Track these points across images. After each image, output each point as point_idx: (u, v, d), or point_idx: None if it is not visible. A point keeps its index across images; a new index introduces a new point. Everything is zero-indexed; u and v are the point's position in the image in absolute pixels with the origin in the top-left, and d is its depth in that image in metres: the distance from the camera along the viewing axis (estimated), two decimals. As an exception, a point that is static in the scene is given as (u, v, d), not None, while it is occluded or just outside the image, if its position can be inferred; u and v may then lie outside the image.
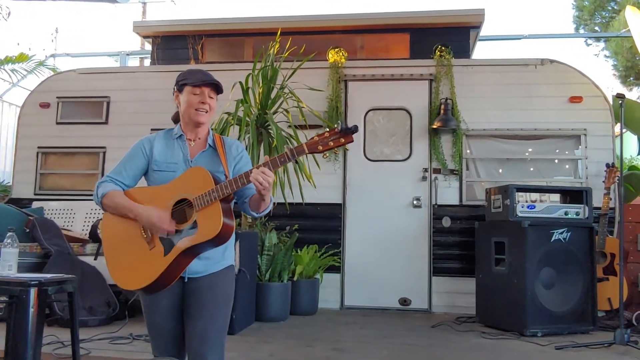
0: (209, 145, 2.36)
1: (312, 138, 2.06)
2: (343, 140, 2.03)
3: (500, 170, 5.89)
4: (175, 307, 2.28)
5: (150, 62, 7.11)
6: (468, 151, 5.85)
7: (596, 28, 15.02)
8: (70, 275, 3.06)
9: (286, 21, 6.30)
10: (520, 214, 4.74)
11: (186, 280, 2.25)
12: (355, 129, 2.03)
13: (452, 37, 6.25)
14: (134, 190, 2.31)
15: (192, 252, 2.14)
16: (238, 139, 4.70)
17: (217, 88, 2.35)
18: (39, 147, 6.47)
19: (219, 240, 2.10)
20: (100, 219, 5.20)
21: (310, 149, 2.04)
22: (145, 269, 2.15)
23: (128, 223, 2.22)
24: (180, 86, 2.37)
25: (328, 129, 2.06)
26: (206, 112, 2.32)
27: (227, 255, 2.34)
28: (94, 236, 5.10)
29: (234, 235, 2.35)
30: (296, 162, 2.12)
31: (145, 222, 2.15)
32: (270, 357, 3.57)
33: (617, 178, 5.14)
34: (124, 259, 2.24)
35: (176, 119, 2.48)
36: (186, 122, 2.38)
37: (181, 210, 2.16)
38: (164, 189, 2.23)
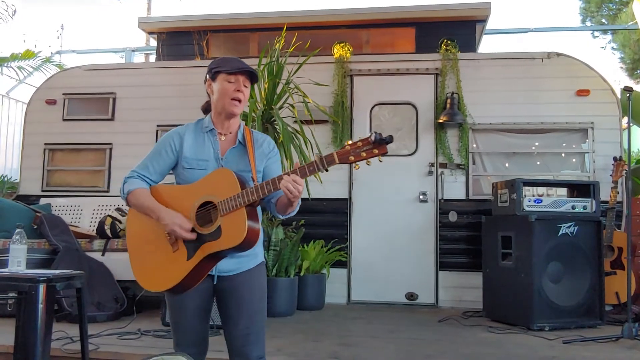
0: (239, 141, 2.29)
1: (344, 147, 1.95)
2: (377, 151, 1.91)
3: (507, 165, 5.87)
4: (201, 307, 2.25)
5: (156, 58, 7.12)
6: (474, 145, 5.83)
7: (603, 20, 14.92)
8: (78, 271, 3.09)
9: (291, 16, 6.29)
10: (527, 208, 4.73)
11: (215, 282, 2.22)
12: (390, 139, 1.91)
13: (457, 31, 6.22)
14: (162, 187, 2.26)
15: (216, 257, 2.11)
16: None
17: (253, 76, 2.26)
18: (45, 144, 6.49)
19: (243, 246, 2.05)
20: (107, 215, 5.23)
21: (341, 159, 1.93)
22: (168, 272, 2.12)
23: (153, 221, 2.18)
24: (213, 74, 2.25)
25: (361, 139, 1.94)
26: (240, 101, 2.23)
27: (258, 251, 2.30)
28: (101, 232, 5.13)
29: (262, 231, 2.30)
30: (326, 170, 2.02)
31: (167, 227, 2.11)
32: (277, 352, 3.58)
33: (624, 172, 5.12)
34: (147, 260, 2.21)
35: (206, 108, 2.38)
36: (218, 113, 2.28)
37: (206, 212, 2.11)
38: (190, 190, 2.18)
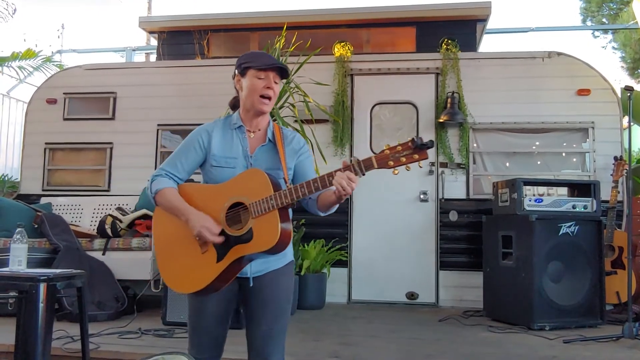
0: (269, 139, 2.22)
1: (383, 151, 1.88)
2: (417, 156, 1.84)
3: (508, 164, 5.87)
4: (223, 310, 2.20)
5: (156, 58, 7.12)
6: (475, 145, 5.83)
7: (604, 20, 14.92)
8: (79, 271, 3.08)
9: (292, 15, 6.29)
10: (527, 208, 4.73)
11: (251, 284, 2.15)
12: (431, 144, 1.84)
13: (458, 30, 6.22)
14: (190, 186, 2.19)
15: (247, 259, 2.06)
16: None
17: (283, 72, 2.17)
18: (46, 143, 6.49)
19: (275, 249, 1.99)
20: (108, 215, 5.23)
21: (380, 164, 1.87)
22: (196, 274, 2.07)
23: (181, 221, 2.12)
24: (242, 69, 2.16)
25: (400, 143, 1.87)
26: (270, 99, 2.15)
27: (288, 251, 2.19)
28: (102, 232, 5.13)
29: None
30: (363, 174, 1.93)
31: (194, 229, 2.04)
32: (278, 351, 3.58)
33: (625, 171, 5.11)
34: (175, 260, 2.15)
35: (234, 104, 2.30)
36: (247, 109, 2.20)
37: (236, 213, 2.05)
38: (220, 189, 2.11)
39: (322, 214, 2.19)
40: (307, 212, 2.24)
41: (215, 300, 2.16)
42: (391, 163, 1.87)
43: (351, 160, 1.91)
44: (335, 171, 1.93)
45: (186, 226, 2.09)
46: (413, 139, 1.85)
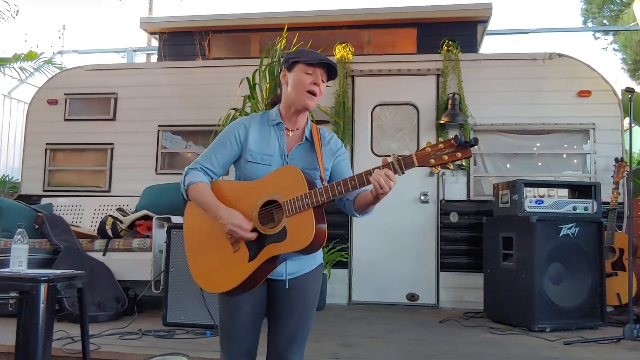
0: (306, 138, 2.17)
1: (423, 149, 1.83)
2: (460, 154, 1.80)
3: (508, 165, 5.86)
4: (257, 312, 2.14)
5: (157, 59, 7.12)
6: (475, 146, 5.80)
7: (605, 21, 14.93)
8: (79, 271, 3.09)
9: (293, 16, 6.29)
10: (528, 209, 4.73)
11: (287, 286, 2.09)
12: (475, 142, 1.79)
13: (459, 31, 6.22)
14: (224, 183, 2.14)
15: (279, 259, 2.01)
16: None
17: (331, 71, 2.12)
18: (47, 144, 6.49)
19: (310, 250, 1.94)
20: (109, 215, 5.23)
21: (421, 162, 1.82)
22: (227, 273, 2.01)
23: (212, 218, 2.06)
24: (290, 64, 2.12)
25: (442, 140, 1.83)
26: (315, 95, 2.10)
27: (318, 253, 2.17)
28: (102, 232, 5.13)
29: None
30: (403, 173, 1.87)
31: (225, 227, 1.99)
32: (278, 352, 3.57)
33: (626, 173, 5.11)
34: (206, 259, 2.09)
35: (274, 101, 2.25)
36: (289, 105, 2.14)
37: (270, 211, 2.00)
38: (254, 186, 2.06)
39: (359, 216, 2.16)
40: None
41: (248, 300, 2.10)
42: (432, 161, 1.82)
43: (391, 157, 1.86)
44: (374, 169, 1.89)
45: (218, 223, 2.04)
46: (456, 136, 1.81)
